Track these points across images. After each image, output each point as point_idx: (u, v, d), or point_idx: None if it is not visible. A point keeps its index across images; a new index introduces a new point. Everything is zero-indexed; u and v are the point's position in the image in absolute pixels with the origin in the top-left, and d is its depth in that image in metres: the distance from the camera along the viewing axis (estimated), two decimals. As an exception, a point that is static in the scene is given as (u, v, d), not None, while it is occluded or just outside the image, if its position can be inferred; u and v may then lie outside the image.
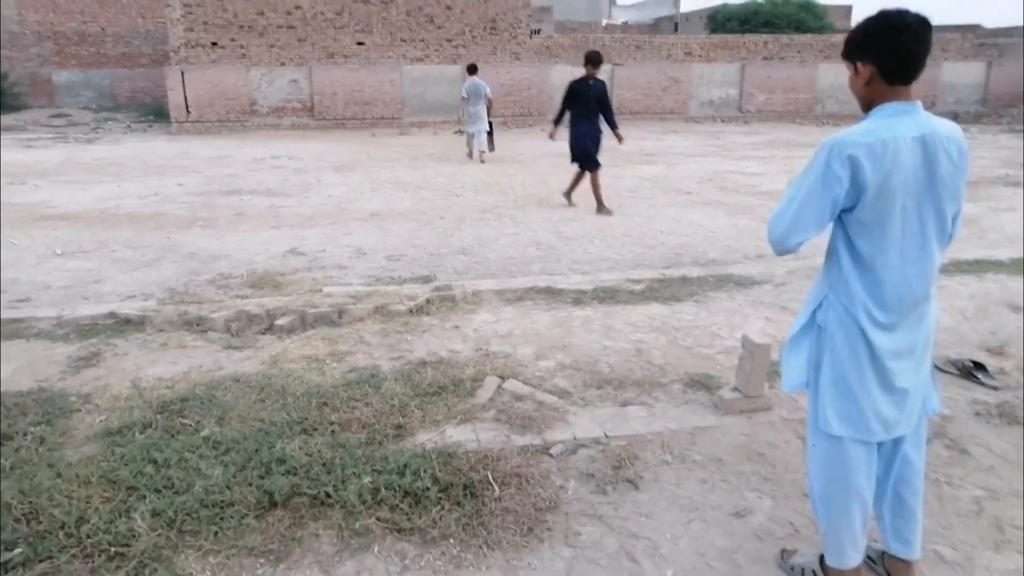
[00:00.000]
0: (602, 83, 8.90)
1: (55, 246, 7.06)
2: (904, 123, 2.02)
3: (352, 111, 22.16)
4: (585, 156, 8.94)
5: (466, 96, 13.46)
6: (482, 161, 13.52)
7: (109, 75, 27.23)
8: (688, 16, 37.23)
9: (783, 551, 2.61)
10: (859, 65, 2.08)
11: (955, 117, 23.76)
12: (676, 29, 35.93)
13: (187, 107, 21.11)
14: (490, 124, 13.60)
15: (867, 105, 2.12)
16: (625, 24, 40.73)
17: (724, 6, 31.74)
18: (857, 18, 33.20)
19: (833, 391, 2.23)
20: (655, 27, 38.33)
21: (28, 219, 8.43)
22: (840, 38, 25.35)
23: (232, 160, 14.37)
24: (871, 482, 2.30)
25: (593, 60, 8.64)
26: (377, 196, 10.08)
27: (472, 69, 14.09)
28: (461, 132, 17.19)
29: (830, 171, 2.01)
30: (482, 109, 13.33)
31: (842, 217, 2.11)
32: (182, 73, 20.89)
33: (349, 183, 11.29)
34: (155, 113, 24.32)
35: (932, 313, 2.24)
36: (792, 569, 2.52)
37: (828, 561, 2.39)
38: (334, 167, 13.22)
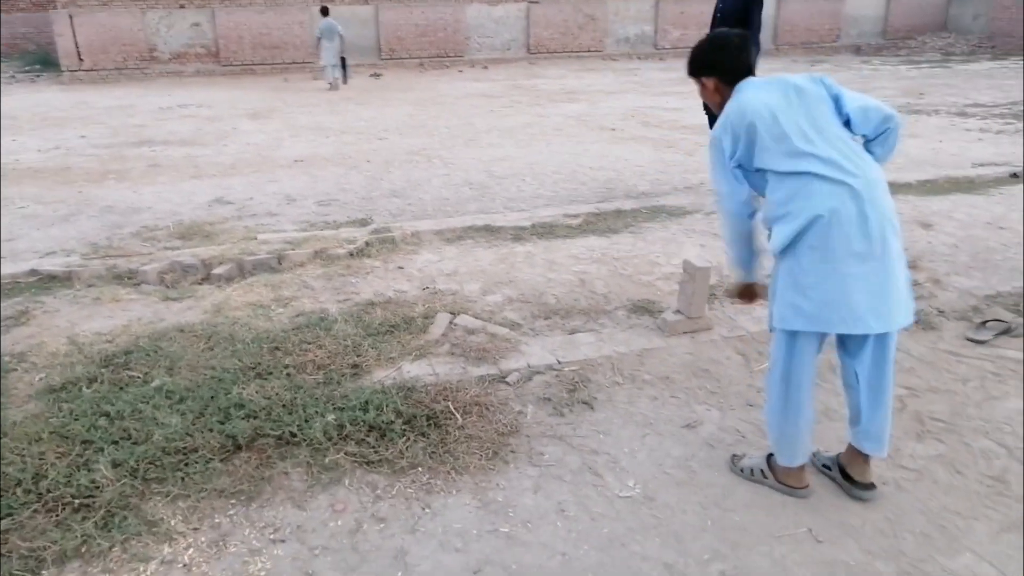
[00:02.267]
0: None
1: (-46, 205, 6.60)
2: (756, 87, 2.40)
3: (261, 55, 21.16)
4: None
5: (319, 35, 16.20)
6: (336, 88, 16.31)
7: (-16, 21, 25.02)
8: (600, -48, 36.85)
9: (733, 456, 2.80)
10: (704, 80, 2.53)
11: (858, 50, 24.65)
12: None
13: (79, 54, 19.70)
14: (343, 59, 16.52)
15: (720, 105, 2.52)
16: (537, -40, 39.99)
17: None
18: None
19: (784, 287, 2.36)
20: (568, -37, 37.81)
21: (-83, 178, 7.81)
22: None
23: (136, 110, 13.59)
24: (811, 378, 2.47)
25: None
26: (298, 142, 9.78)
27: (325, 11, 16.62)
28: (376, 75, 17.99)
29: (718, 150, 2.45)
30: (335, 46, 16.12)
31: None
32: (70, 17, 19.42)
33: (267, 130, 10.89)
34: (41, 62, 22.57)
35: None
36: (743, 471, 2.71)
37: (779, 461, 2.59)
38: (249, 114, 12.70)
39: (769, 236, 2.42)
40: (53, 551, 2.29)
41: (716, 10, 6.05)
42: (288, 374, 3.26)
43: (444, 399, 3.08)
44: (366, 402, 3.01)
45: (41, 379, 3.26)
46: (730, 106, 2.44)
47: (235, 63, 20.99)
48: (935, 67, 19.06)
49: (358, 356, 3.42)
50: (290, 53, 21.36)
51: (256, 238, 5.10)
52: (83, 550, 2.32)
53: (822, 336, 2.44)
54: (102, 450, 2.72)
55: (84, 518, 2.43)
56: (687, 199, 6.12)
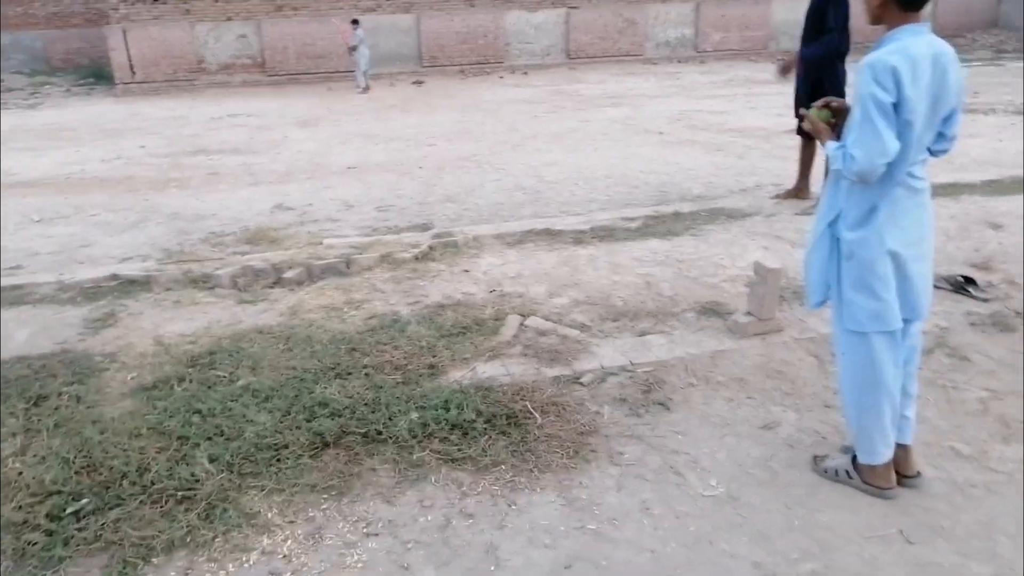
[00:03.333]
0: None
1: (30, 213, 6.86)
2: (921, 43, 2.23)
3: (305, 65, 21.55)
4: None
5: (358, 44, 18.02)
6: (367, 91, 18.01)
7: (40, 37, 25.84)
8: (638, -44, 36.78)
9: (815, 457, 2.79)
10: None
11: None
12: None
13: (132, 68, 20.29)
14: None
15: (875, 19, 2.34)
16: (574, -34, 40.06)
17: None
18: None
19: (856, 292, 2.41)
20: (605, -32, 37.81)
21: (-8, 187, 8.14)
22: (791, -26, 25.42)
23: (188, 120, 13.96)
24: (898, 373, 2.49)
25: None
26: (348, 149, 9.96)
27: (356, 23, 18.37)
28: (419, 83, 18.59)
29: (879, 82, 2.18)
30: (367, 53, 18.33)
31: None
32: (124, 32, 20.02)
33: (317, 138, 11.10)
34: (95, 75, 23.28)
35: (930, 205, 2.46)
36: (826, 471, 2.71)
37: (860, 459, 2.59)
38: (297, 123, 12.96)
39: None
40: (161, 540, 2.39)
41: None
42: (367, 374, 3.35)
43: (522, 399, 3.13)
44: (446, 401, 3.07)
45: (133, 378, 3.39)
46: (903, 45, 2.23)
47: (280, 73, 21.40)
48: (987, 65, 18.63)
49: (433, 357, 3.49)
50: (333, 63, 21.70)
51: (322, 243, 5.22)
52: (188, 540, 2.41)
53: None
54: (198, 445, 2.82)
55: (187, 509, 2.53)
56: (744, 201, 6.10)
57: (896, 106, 2.19)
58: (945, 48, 2.27)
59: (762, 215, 5.60)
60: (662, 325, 3.84)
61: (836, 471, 2.69)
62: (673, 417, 3.10)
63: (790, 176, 6.49)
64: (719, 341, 3.65)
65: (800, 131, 5.86)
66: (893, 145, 2.19)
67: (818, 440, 2.94)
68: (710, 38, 24.66)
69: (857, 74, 2.26)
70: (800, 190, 6.07)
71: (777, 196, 6.18)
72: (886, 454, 2.55)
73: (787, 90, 6.41)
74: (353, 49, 18.11)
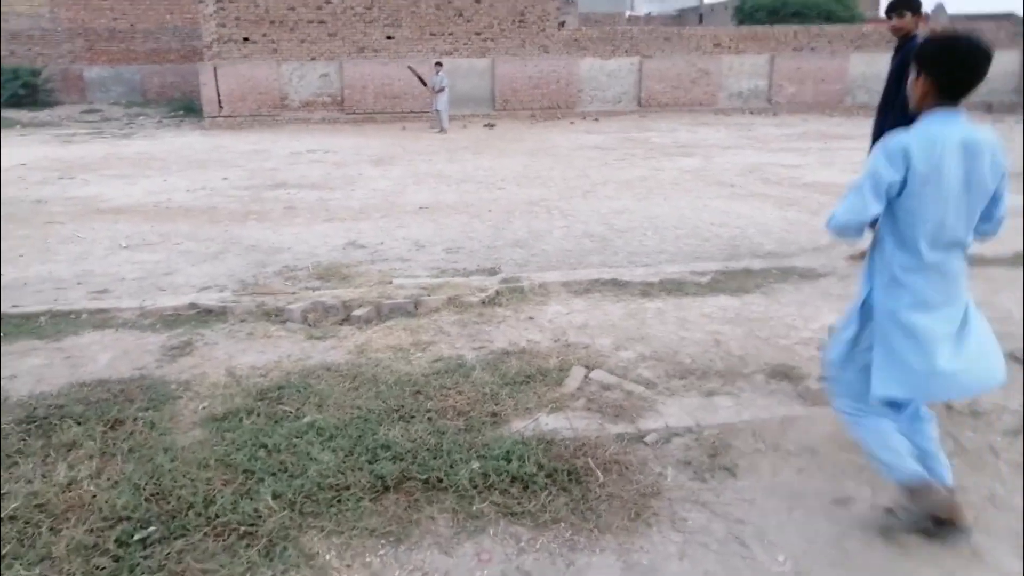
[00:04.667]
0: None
1: (119, 239, 7.21)
2: (950, 128, 2.38)
3: (382, 104, 22.27)
4: None
5: (443, 86, 18.45)
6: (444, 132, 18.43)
7: (139, 71, 27.51)
8: (713, 7, 36.98)
9: (885, 509, 2.82)
10: (923, 75, 2.43)
11: (989, 108, 23.48)
12: (700, 20, 35.73)
13: (219, 102, 21.33)
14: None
15: (915, 107, 2.49)
16: (648, 15, 40.52)
17: (751, -3, 31.44)
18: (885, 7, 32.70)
19: (887, 361, 2.54)
20: (679, 18, 38.13)
21: (86, 212, 8.60)
22: (871, 27, 25.12)
23: (269, 154, 14.53)
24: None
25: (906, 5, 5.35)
26: (422, 189, 10.17)
27: (440, 65, 19.01)
28: (490, 126, 19.04)
29: (888, 159, 2.39)
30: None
31: (891, 204, 2.46)
32: (215, 69, 21.11)
33: (391, 176, 11.39)
34: (185, 108, 24.58)
35: (965, 297, 2.57)
36: (899, 514, 2.73)
37: (905, 483, 2.61)
38: (372, 161, 13.34)
39: None
40: (222, 575, 2.42)
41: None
42: (430, 418, 3.36)
43: (584, 455, 3.08)
44: (508, 452, 3.05)
45: (204, 407, 3.49)
46: (928, 128, 2.41)
47: (358, 111, 22.16)
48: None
49: (496, 404, 3.48)
50: (408, 103, 22.36)
51: (391, 282, 5.31)
52: (248, 576, 2.43)
53: None
54: (263, 480, 2.87)
55: (248, 545, 2.55)
56: (818, 260, 5.95)
57: (905, 181, 2.38)
58: (979, 134, 2.39)
59: (836, 276, 5.45)
60: (730, 386, 3.75)
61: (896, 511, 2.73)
62: (740, 484, 3.00)
63: (865, 237, 6.31)
64: (789, 407, 3.53)
65: None
66: (874, 208, 2.41)
67: (893, 520, 2.79)
68: (784, 90, 24.46)
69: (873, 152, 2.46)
70: (876, 251, 5.88)
71: (852, 257, 6.01)
72: (920, 469, 2.58)
73: (863, 146, 6.29)
74: (440, 91, 18.41)
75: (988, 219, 2.53)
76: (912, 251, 2.47)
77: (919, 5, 5.41)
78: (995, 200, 2.49)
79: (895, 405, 2.62)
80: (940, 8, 26.38)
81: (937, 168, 2.34)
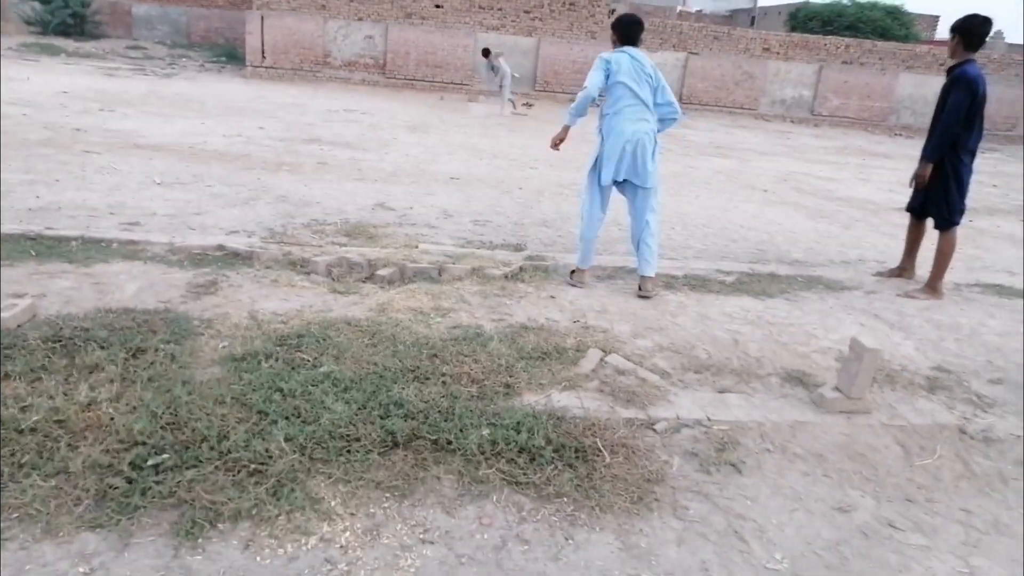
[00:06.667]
0: (966, 77, 5.02)
1: (153, 175, 7.29)
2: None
3: (423, 72, 22.23)
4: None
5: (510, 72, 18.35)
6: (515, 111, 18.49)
7: (186, 12, 27.62)
8: (766, 11, 36.45)
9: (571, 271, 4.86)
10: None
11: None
12: (752, 23, 35.22)
13: (263, 52, 21.38)
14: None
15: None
16: (700, 13, 40.02)
17: (806, 4, 30.97)
18: (944, 29, 32.16)
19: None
20: (731, 19, 37.64)
21: (123, 146, 8.69)
22: (925, 49, 24.64)
23: (307, 109, 14.57)
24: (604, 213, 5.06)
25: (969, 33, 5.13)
26: (454, 160, 10.17)
27: (486, 52, 18.70)
28: (528, 105, 18.89)
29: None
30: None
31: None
32: (262, 18, 21.14)
33: (424, 144, 11.39)
34: (227, 55, 24.66)
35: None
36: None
37: (578, 264, 4.94)
38: (407, 127, 13.34)
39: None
40: (229, 508, 2.47)
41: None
42: (444, 382, 3.39)
43: (592, 434, 3.10)
44: (518, 423, 3.08)
45: (224, 347, 3.54)
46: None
47: (398, 76, 22.12)
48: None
49: (511, 376, 3.50)
50: (449, 74, 22.30)
51: (417, 246, 5.34)
52: (254, 512, 2.48)
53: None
54: (276, 423, 2.91)
55: (257, 483, 2.60)
56: (845, 273, 5.91)
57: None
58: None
59: (862, 290, 5.41)
60: (744, 385, 3.75)
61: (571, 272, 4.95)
62: (744, 481, 3.01)
63: (895, 255, 6.26)
64: (801, 412, 3.53)
65: (910, 209, 5.65)
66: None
67: (892, 532, 2.80)
68: (828, 102, 24.13)
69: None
70: (904, 270, 5.84)
71: (879, 273, 5.96)
72: (590, 261, 4.97)
73: (902, 166, 6.20)
74: (503, 76, 18.03)
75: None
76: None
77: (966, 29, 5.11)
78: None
79: None
80: (999, 35, 25.87)
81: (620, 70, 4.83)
